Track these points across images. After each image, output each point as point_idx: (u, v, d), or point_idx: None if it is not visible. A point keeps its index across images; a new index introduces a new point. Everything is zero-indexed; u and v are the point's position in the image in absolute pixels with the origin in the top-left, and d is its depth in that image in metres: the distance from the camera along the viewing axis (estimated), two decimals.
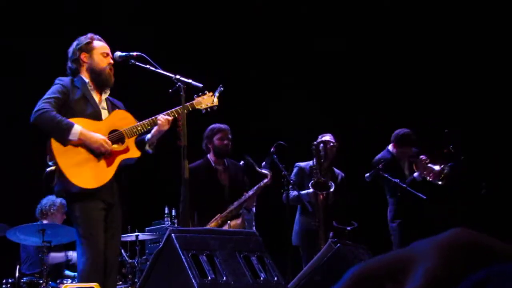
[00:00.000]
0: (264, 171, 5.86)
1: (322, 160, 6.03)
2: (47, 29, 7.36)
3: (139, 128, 4.16)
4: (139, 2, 8.05)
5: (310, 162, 6.14)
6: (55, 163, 3.97)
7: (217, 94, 4.33)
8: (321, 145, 6.04)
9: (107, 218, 4.08)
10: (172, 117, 4.17)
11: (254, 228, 6.54)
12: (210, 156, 5.65)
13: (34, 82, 6.89)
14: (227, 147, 5.59)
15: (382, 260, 0.57)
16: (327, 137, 6.18)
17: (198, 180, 5.23)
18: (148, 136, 4.23)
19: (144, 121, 4.17)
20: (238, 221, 5.47)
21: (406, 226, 6.07)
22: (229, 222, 5.46)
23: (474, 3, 7.91)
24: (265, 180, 5.70)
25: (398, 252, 0.57)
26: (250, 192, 5.57)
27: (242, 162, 5.88)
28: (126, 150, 4.16)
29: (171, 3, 8.20)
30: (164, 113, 4.17)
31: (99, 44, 4.23)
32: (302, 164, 6.22)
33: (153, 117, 4.19)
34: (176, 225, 6.14)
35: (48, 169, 4.01)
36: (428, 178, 6.06)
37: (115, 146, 4.11)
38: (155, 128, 4.16)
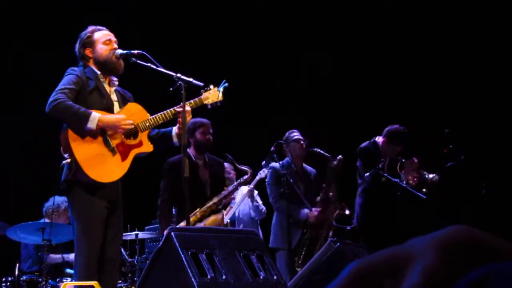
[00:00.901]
0: (244, 167, 5.90)
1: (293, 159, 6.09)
2: (47, 29, 7.36)
3: (152, 122, 4.16)
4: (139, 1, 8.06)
5: (278, 164, 6.11)
6: (71, 155, 3.92)
7: (221, 89, 4.34)
8: (292, 143, 6.07)
9: (110, 216, 4.06)
10: (191, 108, 4.19)
11: (259, 228, 6.55)
12: (190, 151, 5.61)
13: (34, 82, 6.91)
14: (209, 141, 5.55)
15: (380, 257, 0.56)
16: (296, 133, 6.20)
17: (177, 175, 5.21)
18: (175, 129, 4.23)
19: (157, 115, 4.17)
20: (219, 216, 5.43)
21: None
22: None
23: (474, 3, 7.91)
24: (245, 177, 5.73)
25: (396, 248, 0.57)
26: (230, 188, 5.56)
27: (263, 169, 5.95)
28: (140, 144, 4.15)
29: (171, 3, 8.20)
30: (180, 105, 4.15)
31: (100, 34, 4.22)
32: (276, 164, 6.18)
33: (166, 111, 4.18)
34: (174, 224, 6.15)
35: (64, 162, 3.97)
36: (411, 182, 5.99)
37: (129, 140, 4.10)
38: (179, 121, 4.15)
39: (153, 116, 4.18)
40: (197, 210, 5.35)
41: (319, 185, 6.19)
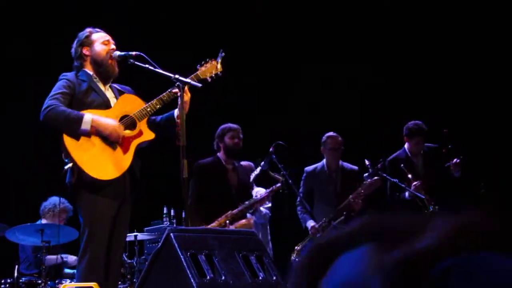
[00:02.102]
0: (276, 176, 5.93)
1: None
2: (47, 30, 7.36)
3: (148, 109, 4.13)
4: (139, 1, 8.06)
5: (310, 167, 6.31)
6: (72, 160, 3.92)
7: (219, 59, 4.30)
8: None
9: (116, 216, 4.05)
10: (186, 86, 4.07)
11: (268, 231, 6.56)
12: (220, 155, 5.69)
13: (34, 82, 6.90)
14: (238, 146, 5.63)
15: (398, 220, 0.63)
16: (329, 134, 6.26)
17: (207, 177, 5.27)
18: (176, 112, 4.15)
19: (152, 101, 4.14)
20: (251, 220, 5.56)
21: None
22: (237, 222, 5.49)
23: (474, 3, 7.91)
24: (278, 185, 5.76)
25: (416, 216, 0.63)
26: (263, 194, 5.64)
27: (259, 167, 5.96)
28: (140, 134, 4.13)
29: (171, 3, 8.20)
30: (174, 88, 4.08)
31: (98, 35, 4.24)
32: (307, 168, 6.37)
33: (161, 96, 4.15)
34: (175, 225, 6.15)
35: (66, 167, 3.96)
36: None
37: (127, 131, 4.08)
38: (180, 102, 4.03)
39: (150, 103, 4.15)
40: (229, 212, 5.40)
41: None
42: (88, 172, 3.89)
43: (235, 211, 5.45)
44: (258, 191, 6.61)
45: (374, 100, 8.09)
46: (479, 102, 7.80)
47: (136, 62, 4.17)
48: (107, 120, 4.00)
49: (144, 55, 4.17)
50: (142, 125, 4.15)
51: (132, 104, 4.16)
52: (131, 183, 4.12)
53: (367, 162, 6.04)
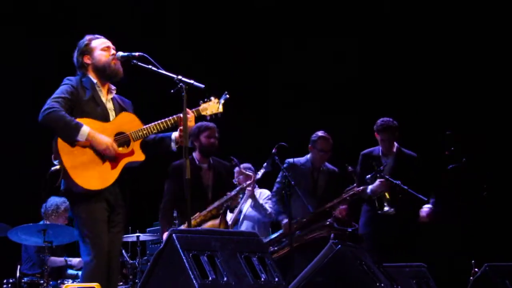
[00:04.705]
0: (248, 172, 5.91)
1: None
2: (47, 30, 7.37)
3: (145, 132, 4.16)
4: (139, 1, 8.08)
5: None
6: (60, 162, 3.95)
7: (222, 101, 4.32)
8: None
9: (109, 218, 4.08)
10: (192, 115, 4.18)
11: (270, 230, 6.54)
12: (195, 154, 5.62)
13: (34, 83, 6.91)
14: (213, 145, 5.57)
15: None
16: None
17: (181, 177, 5.20)
18: (176, 134, 4.22)
19: (150, 125, 4.17)
20: (216, 221, 5.39)
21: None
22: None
23: (474, 3, 7.91)
24: (248, 181, 5.74)
25: None
26: (233, 193, 5.55)
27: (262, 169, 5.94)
28: (131, 153, 4.15)
29: (170, 3, 8.21)
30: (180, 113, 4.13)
31: (98, 42, 4.25)
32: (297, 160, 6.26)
33: (160, 121, 4.18)
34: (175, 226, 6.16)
35: (53, 168, 3.98)
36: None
37: (120, 148, 4.10)
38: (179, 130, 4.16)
39: (148, 126, 4.18)
40: (197, 214, 5.35)
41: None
42: (73, 178, 3.93)
43: (203, 212, 5.39)
44: (261, 192, 6.61)
45: (375, 101, 8.09)
46: (481, 104, 7.80)
47: (139, 63, 4.18)
48: (103, 137, 4.03)
49: (147, 56, 4.17)
50: (135, 146, 4.17)
51: (130, 123, 4.19)
52: (121, 192, 4.15)
53: (350, 168, 6.02)
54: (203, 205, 5.43)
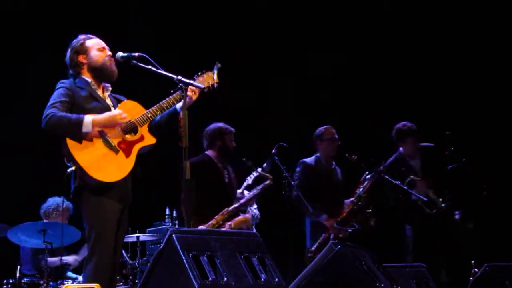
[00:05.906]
0: (266, 173, 5.93)
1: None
2: (46, 30, 7.36)
3: (149, 115, 4.15)
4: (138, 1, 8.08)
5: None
6: (75, 163, 3.92)
7: (215, 71, 4.32)
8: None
9: (121, 217, 4.08)
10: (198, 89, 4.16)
11: (254, 229, 6.54)
12: (210, 153, 5.65)
13: (35, 83, 6.90)
14: (233, 149, 5.67)
15: None
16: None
17: (199, 176, 5.23)
18: (180, 105, 4.14)
19: (153, 107, 4.16)
20: (247, 215, 5.57)
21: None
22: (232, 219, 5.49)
23: (474, 3, 7.91)
24: (267, 182, 5.75)
25: None
26: (254, 191, 5.62)
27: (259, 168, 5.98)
28: (141, 138, 4.15)
29: (170, 3, 8.20)
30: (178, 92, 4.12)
31: (92, 42, 4.24)
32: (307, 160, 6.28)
33: (162, 102, 4.17)
34: (176, 226, 6.15)
35: (69, 170, 3.96)
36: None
37: (128, 136, 4.10)
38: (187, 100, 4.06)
39: (150, 109, 4.17)
40: (225, 210, 5.42)
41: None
42: (92, 175, 3.90)
43: (231, 208, 5.44)
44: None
45: (375, 100, 8.09)
46: (481, 104, 7.80)
47: (139, 63, 4.18)
48: (105, 114, 4.02)
49: (147, 56, 4.17)
50: (144, 130, 4.17)
51: (133, 110, 4.18)
52: (133, 187, 4.16)
53: (353, 156, 6.03)
54: (225, 203, 5.49)
